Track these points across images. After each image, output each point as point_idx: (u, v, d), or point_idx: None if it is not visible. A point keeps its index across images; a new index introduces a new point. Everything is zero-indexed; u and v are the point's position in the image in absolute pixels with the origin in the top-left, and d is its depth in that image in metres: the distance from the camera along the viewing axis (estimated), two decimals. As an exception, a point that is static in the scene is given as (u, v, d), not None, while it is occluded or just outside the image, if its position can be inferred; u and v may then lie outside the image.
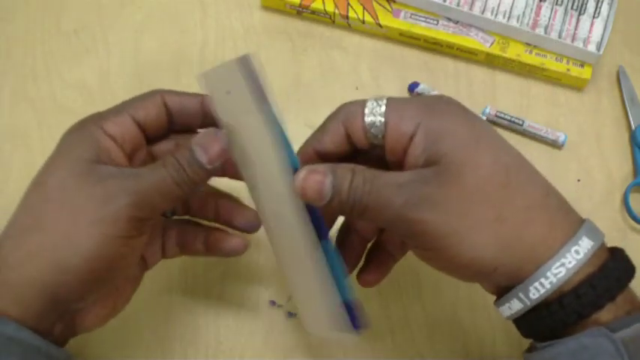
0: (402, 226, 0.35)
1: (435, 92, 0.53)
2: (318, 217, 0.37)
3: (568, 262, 0.33)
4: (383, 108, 0.36)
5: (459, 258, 0.34)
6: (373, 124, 0.37)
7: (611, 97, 0.55)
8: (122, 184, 0.36)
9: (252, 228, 0.43)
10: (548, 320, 0.35)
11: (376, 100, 0.37)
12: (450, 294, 0.49)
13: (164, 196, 0.36)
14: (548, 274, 0.33)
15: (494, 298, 0.49)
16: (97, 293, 0.37)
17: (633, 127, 0.53)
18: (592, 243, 0.34)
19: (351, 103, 0.38)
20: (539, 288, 0.34)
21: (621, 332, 0.33)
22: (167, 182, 0.36)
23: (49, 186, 0.36)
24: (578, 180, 0.52)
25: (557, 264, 0.33)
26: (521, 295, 0.35)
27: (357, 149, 0.38)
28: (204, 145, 0.36)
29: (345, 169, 0.35)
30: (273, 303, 0.48)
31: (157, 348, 0.46)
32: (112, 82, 0.54)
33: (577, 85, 0.55)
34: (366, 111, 0.37)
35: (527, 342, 0.48)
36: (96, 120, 0.39)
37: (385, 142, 0.37)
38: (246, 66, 0.37)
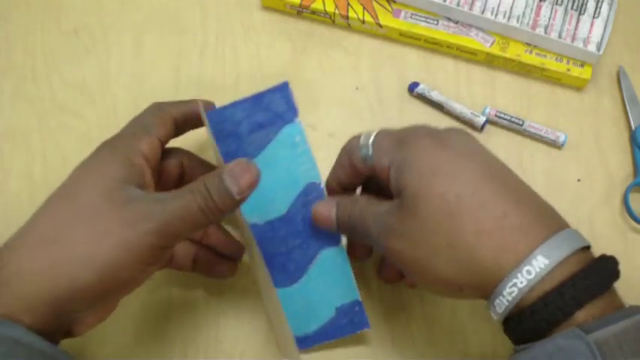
0: (382, 251, 0.39)
1: (435, 92, 0.53)
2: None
3: (520, 283, 0.35)
4: (371, 139, 0.40)
5: (428, 280, 0.38)
6: (366, 156, 0.40)
7: (611, 97, 0.55)
8: (148, 209, 0.36)
9: (237, 256, 0.47)
10: (514, 332, 0.36)
11: (367, 133, 0.41)
12: (450, 294, 0.49)
13: (187, 223, 0.36)
14: (504, 292, 0.35)
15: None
16: (97, 307, 0.38)
17: (633, 127, 0.53)
18: (547, 262, 0.34)
19: (354, 136, 0.42)
20: (500, 304, 0.36)
21: (596, 333, 0.33)
22: (192, 209, 0.36)
23: (79, 202, 0.36)
24: (578, 180, 0.52)
25: (510, 284, 0.35)
26: (491, 307, 0.37)
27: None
28: (235, 175, 0.36)
29: (347, 201, 0.41)
30: (273, 303, 0.48)
31: (156, 348, 0.46)
32: (112, 82, 0.54)
33: (577, 85, 0.55)
34: (360, 145, 0.41)
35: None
36: (130, 140, 0.39)
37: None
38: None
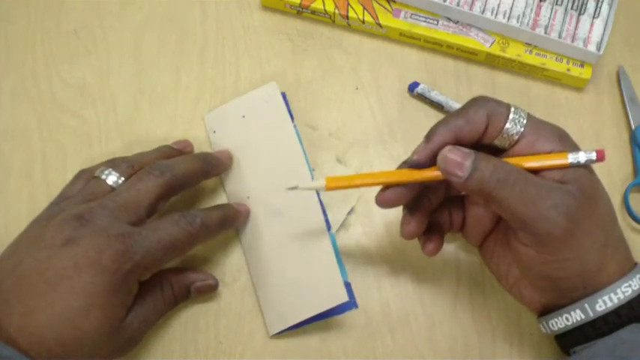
0: (539, 223, 0.38)
1: (435, 92, 0.53)
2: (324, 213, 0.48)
3: (634, 285, 0.40)
4: (524, 121, 0.40)
5: (568, 270, 0.39)
6: (510, 130, 0.40)
7: (611, 97, 0.55)
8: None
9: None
10: (603, 329, 0.40)
11: (517, 109, 0.40)
12: (450, 293, 0.49)
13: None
14: (618, 290, 0.39)
15: (494, 297, 0.49)
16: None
17: (633, 127, 0.53)
18: None
19: (494, 101, 0.41)
20: (607, 302, 0.39)
21: None
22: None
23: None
24: (578, 180, 0.52)
25: (626, 284, 0.40)
26: (586, 306, 0.40)
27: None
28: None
29: (488, 156, 0.39)
30: (273, 303, 0.48)
31: (157, 348, 0.46)
32: (112, 82, 0.54)
33: (577, 85, 0.55)
34: (510, 117, 0.40)
35: (528, 343, 0.48)
36: (137, 271, 0.41)
37: (511, 150, 0.41)
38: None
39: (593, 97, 0.55)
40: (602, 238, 0.40)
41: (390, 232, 0.50)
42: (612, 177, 0.53)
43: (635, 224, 0.51)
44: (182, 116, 0.53)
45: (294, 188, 0.43)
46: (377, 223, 0.50)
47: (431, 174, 0.40)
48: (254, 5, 0.57)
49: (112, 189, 0.44)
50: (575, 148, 0.41)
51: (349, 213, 0.50)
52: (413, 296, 0.49)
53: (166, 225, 0.42)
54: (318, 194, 0.48)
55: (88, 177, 0.45)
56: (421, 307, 0.48)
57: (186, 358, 0.46)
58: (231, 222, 0.47)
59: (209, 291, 0.47)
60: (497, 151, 0.41)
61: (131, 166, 0.45)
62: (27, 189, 0.50)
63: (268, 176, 0.49)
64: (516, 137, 0.40)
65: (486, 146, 0.41)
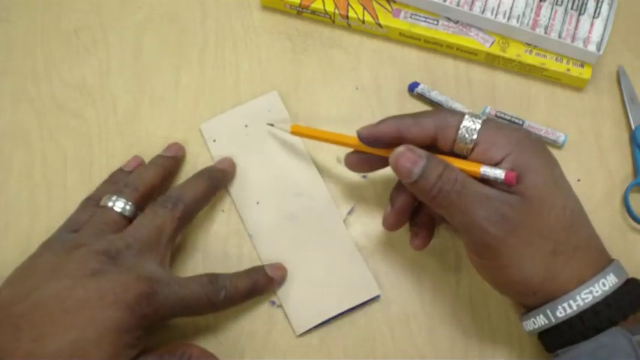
0: (474, 232, 0.40)
1: (435, 92, 0.53)
2: None
3: (595, 291, 0.39)
4: (478, 126, 0.41)
5: (509, 276, 0.40)
6: (463, 140, 0.41)
7: (611, 97, 0.55)
8: None
9: None
10: (568, 334, 0.40)
11: (472, 118, 0.41)
12: (450, 293, 0.49)
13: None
14: (577, 297, 0.39)
15: (494, 297, 0.49)
16: None
17: (633, 127, 0.53)
18: (617, 280, 0.40)
19: (450, 112, 0.42)
20: (567, 308, 0.40)
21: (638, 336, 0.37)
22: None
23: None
24: (578, 180, 0.52)
25: (586, 291, 0.39)
26: (548, 312, 0.40)
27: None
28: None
29: (439, 162, 0.40)
30: (273, 303, 0.48)
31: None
32: (112, 82, 0.54)
33: (577, 85, 0.55)
34: (462, 126, 0.41)
35: (528, 343, 0.48)
36: (153, 318, 0.41)
37: (469, 157, 0.41)
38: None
39: (593, 97, 0.55)
40: (549, 247, 0.40)
41: (390, 231, 0.50)
42: (612, 177, 0.53)
43: (635, 224, 0.51)
44: (182, 116, 0.53)
45: (271, 125, 0.51)
46: (377, 222, 0.50)
47: (378, 151, 0.44)
48: (254, 5, 0.57)
49: (122, 216, 0.44)
50: (532, 154, 0.40)
51: (349, 213, 0.50)
52: (413, 296, 0.49)
53: (194, 286, 0.42)
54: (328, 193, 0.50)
55: (94, 204, 0.46)
56: (421, 307, 0.48)
57: (186, 358, 0.46)
58: (260, 292, 0.47)
59: None
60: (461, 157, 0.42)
61: (135, 189, 0.46)
62: (27, 189, 0.50)
63: (278, 182, 0.50)
64: (471, 146, 0.41)
65: (449, 152, 0.42)
